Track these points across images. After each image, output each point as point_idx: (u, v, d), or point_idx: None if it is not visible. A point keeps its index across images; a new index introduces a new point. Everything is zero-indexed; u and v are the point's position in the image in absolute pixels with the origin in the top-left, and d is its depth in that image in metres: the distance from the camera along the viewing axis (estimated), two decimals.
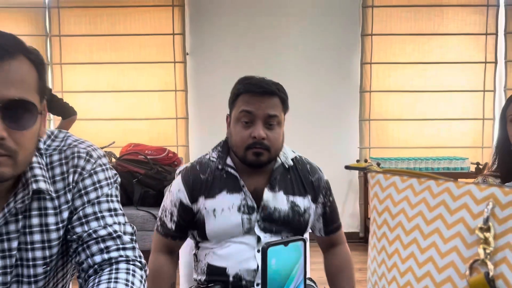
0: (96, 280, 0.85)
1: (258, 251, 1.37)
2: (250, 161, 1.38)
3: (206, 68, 4.30)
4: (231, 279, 1.36)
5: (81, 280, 0.91)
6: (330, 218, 1.52)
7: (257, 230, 1.38)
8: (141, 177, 3.67)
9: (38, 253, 0.89)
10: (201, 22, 4.30)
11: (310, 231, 1.60)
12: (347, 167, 0.61)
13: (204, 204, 1.39)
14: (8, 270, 0.86)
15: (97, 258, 0.89)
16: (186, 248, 1.66)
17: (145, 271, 0.93)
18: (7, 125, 0.74)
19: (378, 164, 3.83)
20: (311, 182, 1.48)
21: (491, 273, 0.44)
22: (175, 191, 1.44)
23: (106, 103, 4.27)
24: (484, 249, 0.45)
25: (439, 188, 0.50)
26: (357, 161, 4.31)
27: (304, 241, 0.77)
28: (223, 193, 1.40)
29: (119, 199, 0.97)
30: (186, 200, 1.42)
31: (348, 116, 4.35)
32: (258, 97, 1.37)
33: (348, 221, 4.32)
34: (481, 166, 3.94)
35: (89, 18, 4.28)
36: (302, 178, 1.48)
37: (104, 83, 4.22)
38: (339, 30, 4.30)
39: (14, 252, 0.86)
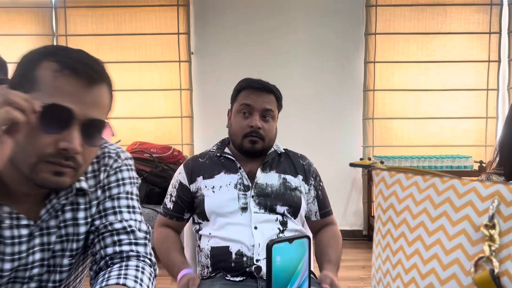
0: (106, 276, 0.87)
1: (255, 227, 1.49)
2: (246, 148, 1.58)
3: (211, 67, 4.30)
4: (233, 256, 1.46)
5: (92, 272, 0.93)
6: (323, 201, 1.67)
7: (252, 205, 1.52)
8: (147, 175, 3.69)
9: (68, 245, 0.93)
10: (206, 21, 4.30)
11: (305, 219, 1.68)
12: (351, 165, 0.62)
13: (204, 183, 1.56)
14: (45, 262, 0.91)
15: (109, 250, 0.92)
16: (189, 245, 1.69)
17: (155, 269, 0.95)
18: (83, 141, 0.81)
19: (382, 163, 3.82)
20: (302, 165, 1.68)
21: (496, 270, 0.44)
22: (176, 175, 1.64)
23: None
24: (489, 246, 0.45)
25: (444, 186, 0.51)
26: (361, 159, 4.31)
27: (309, 238, 0.78)
28: (221, 173, 1.59)
29: (138, 198, 1.01)
30: (184, 180, 1.60)
31: (351, 115, 4.35)
32: (257, 92, 1.59)
33: (352, 219, 4.33)
34: (484, 165, 3.93)
35: (95, 17, 4.30)
36: (294, 162, 1.67)
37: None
38: (343, 29, 4.30)
39: (52, 246, 0.90)
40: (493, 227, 0.46)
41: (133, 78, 4.31)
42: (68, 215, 0.93)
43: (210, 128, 4.22)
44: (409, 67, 4.32)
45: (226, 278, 1.44)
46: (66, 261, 0.93)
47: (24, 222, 0.87)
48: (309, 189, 1.65)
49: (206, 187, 1.57)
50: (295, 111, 4.20)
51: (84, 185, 0.93)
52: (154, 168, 3.75)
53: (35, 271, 0.90)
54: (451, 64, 4.29)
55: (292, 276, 0.76)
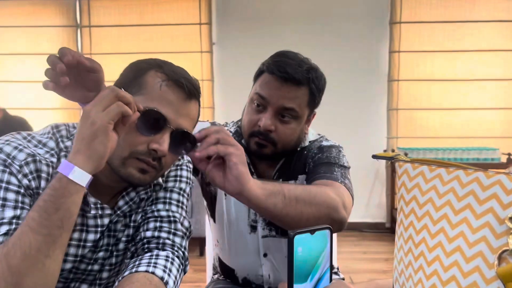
0: (136, 263, 0.90)
1: (265, 255, 1.27)
2: (252, 150, 1.19)
3: (232, 57, 4.30)
4: (240, 281, 1.32)
5: (129, 253, 0.99)
6: (313, 170, 1.20)
7: (260, 226, 1.25)
8: None
9: (127, 231, 0.99)
10: (228, 12, 4.30)
11: None
12: (374, 156, 0.61)
13: None
14: (110, 247, 0.99)
15: (149, 233, 0.96)
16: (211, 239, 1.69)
17: (186, 264, 0.98)
18: (169, 147, 0.88)
19: (406, 154, 3.78)
20: (312, 157, 1.25)
21: None
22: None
23: None
24: None
25: (468, 178, 0.50)
26: (384, 151, 4.26)
27: (331, 229, 0.77)
28: None
29: (189, 198, 1.06)
30: None
31: (375, 105, 4.30)
32: (278, 83, 1.15)
33: (375, 212, 4.30)
34: None
35: (118, 8, 4.34)
36: (307, 158, 1.25)
37: None
38: (368, 18, 4.24)
39: (117, 233, 0.98)
40: None
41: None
42: (134, 206, 0.99)
43: (231, 119, 4.20)
44: (435, 56, 4.23)
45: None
46: (122, 245, 0.99)
47: (107, 212, 0.93)
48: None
49: None
50: None
51: (160, 180, 1.00)
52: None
53: (101, 254, 0.96)
54: (479, 53, 4.19)
55: (313, 267, 0.76)
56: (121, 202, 0.96)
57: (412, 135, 4.29)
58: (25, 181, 0.84)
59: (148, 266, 0.89)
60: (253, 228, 1.25)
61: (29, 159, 0.86)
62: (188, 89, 0.90)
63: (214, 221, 1.32)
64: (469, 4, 4.18)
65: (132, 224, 0.99)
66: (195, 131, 0.94)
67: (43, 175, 0.87)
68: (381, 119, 4.30)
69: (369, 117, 4.31)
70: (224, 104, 4.34)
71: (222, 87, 4.34)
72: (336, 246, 1.74)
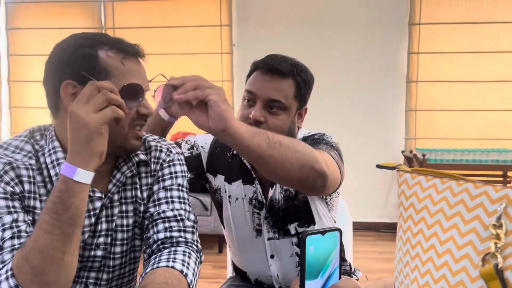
0: (157, 259, 0.98)
1: (271, 256, 1.32)
2: None
3: (252, 59, 4.33)
4: (253, 282, 1.40)
5: (146, 255, 1.05)
6: None
7: (265, 229, 1.30)
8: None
9: (124, 221, 1.06)
10: (248, 13, 4.37)
11: None
12: (378, 166, 0.68)
13: (225, 187, 1.32)
14: (109, 232, 1.04)
15: (161, 235, 1.03)
16: None
17: (201, 255, 1.05)
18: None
19: (424, 156, 3.79)
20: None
21: (500, 265, 0.50)
22: (202, 143, 1.37)
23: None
24: (495, 243, 0.51)
25: (459, 188, 0.57)
26: (402, 151, 4.28)
27: (340, 231, 0.84)
28: (239, 181, 1.31)
29: (188, 191, 1.12)
30: (204, 160, 1.35)
31: (394, 106, 4.32)
32: (264, 76, 1.22)
33: (392, 212, 4.32)
34: None
35: (141, 11, 4.46)
36: None
37: (154, 74, 4.38)
38: (386, 19, 4.26)
39: (114, 218, 1.04)
40: (500, 226, 0.51)
41: (176, 70, 4.44)
42: (129, 193, 1.06)
43: None
44: (455, 57, 4.22)
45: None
46: (121, 235, 1.06)
47: (98, 194, 1.00)
48: None
49: (226, 191, 1.33)
50: (336, 101, 4.22)
51: (142, 157, 1.07)
52: None
53: (101, 239, 1.03)
54: (500, 55, 4.16)
55: (323, 266, 0.84)
56: (110, 186, 1.02)
57: (431, 136, 4.29)
58: (8, 188, 0.90)
59: (167, 261, 0.96)
60: (258, 232, 1.31)
61: (7, 167, 0.92)
62: (137, 53, 0.98)
63: (224, 227, 1.39)
64: (489, 5, 4.16)
65: (127, 214, 1.05)
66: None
67: (24, 178, 0.93)
68: (400, 120, 4.32)
69: (387, 118, 4.33)
70: None
71: (242, 87, 4.39)
72: (352, 245, 1.80)
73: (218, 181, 1.34)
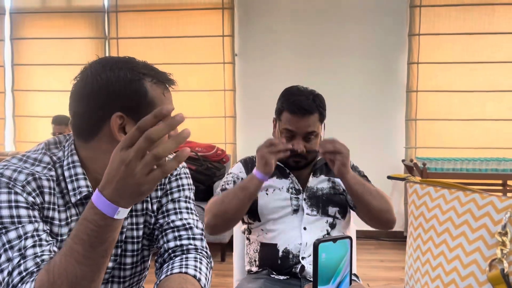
0: (170, 267, 1.02)
1: (304, 228, 1.59)
2: (291, 165, 1.65)
3: (254, 69, 4.43)
4: (280, 254, 1.56)
5: (158, 264, 1.08)
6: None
7: (305, 207, 1.62)
8: (192, 173, 3.85)
9: (134, 233, 1.09)
10: (250, 24, 4.43)
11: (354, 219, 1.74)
12: (389, 177, 0.72)
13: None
14: (119, 244, 1.06)
15: (171, 244, 1.07)
16: (239, 243, 1.81)
17: (211, 261, 1.08)
18: None
19: (424, 165, 3.83)
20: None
21: (506, 270, 0.54)
22: (237, 171, 1.70)
23: None
24: (501, 250, 0.55)
25: (467, 198, 0.60)
26: (403, 160, 4.32)
27: (351, 238, 0.88)
28: (274, 178, 1.66)
29: (194, 203, 1.17)
30: (245, 176, 1.66)
31: (394, 116, 4.37)
32: (298, 117, 1.58)
33: None
34: None
35: (144, 21, 4.52)
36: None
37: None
38: (387, 30, 4.32)
39: (124, 230, 1.07)
40: (505, 234, 0.55)
41: (179, 79, 4.42)
42: (139, 206, 1.10)
43: (252, 128, 4.36)
44: (454, 68, 4.28)
45: (271, 275, 1.56)
46: (131, 246, 1.09)
47: None
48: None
49: (260, 188, 1.59)
50: (338, 111, 4.26)
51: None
52: (199, 166, 3.92)
53: (112, 251, 1.04)
54: (498, 65, 4.22)
55: (335, 272, 0.87)
56: None
57: (431, 145, 4.34)
58: (30, 199, 0.92)
59: (180, 268, 1.00)
60: (295, 211, 1.62)
61: (30, 178, 0.94)
62: (172, 82, 1.04)
63: (259, 220, 1.64)
64: (488, 16, 4.23)
65: (136, 227, 1.09)
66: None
67: (45, 190, 0.95)
68: (400, 129, 4.37)
69: (388, 127, 4.38)
70: (246, 113, 4.47)
71: (244, 97, 4.47)
72: (355, 254, 1.84)
73: None
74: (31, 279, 0.84)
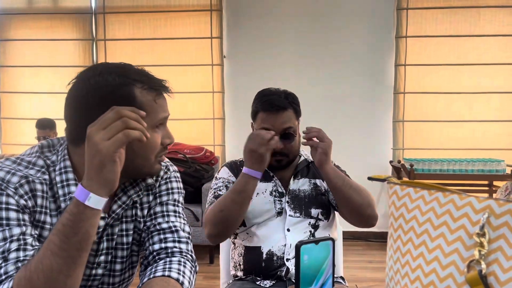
0: (153, 270, 1.01)
1: (288, 230, 1.59)
2: (272, 165, 1.65)
3: (242, 70, 4.43)
4: (264, 256, 1.56)
5: (142, 266, 1.08)
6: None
7: (288, 209, 1.61)
8: (180, 175, 3.83)
9: (124, 239, 1.08)
10: (238, 26, 4.43)
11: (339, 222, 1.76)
12: (369, 178, 0.72)
13: None
14: (110, 251, 1.06)
15: (156, 246, 1.06)
16: (225, 246, 1.80)
17: (195, 265, 1.08)
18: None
19: (411, 166, 3.86)
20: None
21: (483, 271, 0.54)
22: (226, 176, 1.70)
23: None
24: (479, 251, 0.55)
25: (446, 199, 0.60)
26: (391, 162, 4.34)
27: (333, 240, 0.88)
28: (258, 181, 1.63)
29: (183, 206, 1.17)
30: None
31: (382, 117, 4.40)
32: (273, 114, 1.59)
33: (380, 222, 4.32)
34: None
35: (132, 23, 4.50)
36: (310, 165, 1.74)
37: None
38: (374, 32, 4.35)
39: (115, 237, 1.06)
40: (483, 235, 0.55)
41: (168, 81, 4.46)
42: (129, 212, 1.09)
43: (241, 129, 4.35)
44: (441, 69, 4.32)
45: (257, 282, 1.55)
46: (121, 253, 1.08)
47: (101, 214, 1.00)
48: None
49: None
50: (325, 112, 4.28)
51: (150, 181, 1.10)
52: (187, 168, 3.90)
53: (102, 258, 1.05)
54: (484, 67, 4.27)
55: (317, 274, 0.87)
56: (114, 206, 1.04)
57: (418, 146, 4.37)
58: (22, 201, 0.92)
59: (163, 271, 0.99)
60: (279, 214, 1.62)
61: (23, 181, 0.93)
62: (166, 89, 1.04)
63: (244, 225, 1.63)
64: (474, 19, 4.27)
65: (126, 233, 1.08)
66: None
67: (38, 193, 0.94)
68: (387, 131, 4.40)
69: (375, 129, 4.40)
70: (234, 115, 4.46)
71: (232, 98, 4.46)
72: (342, 255, 1.84)
73: None
74: (10, 281, 0.84)
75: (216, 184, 1.68)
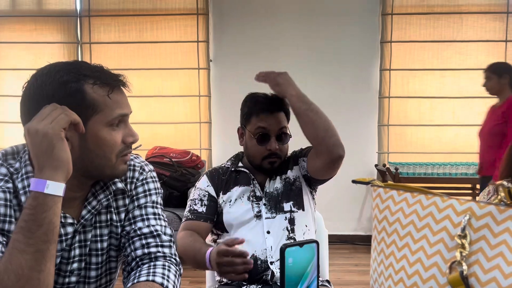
0: (137, 274, 0.99)
1: (268, 232, 1.60)
2: (266, 168, 1.66)
3: (229, 74, 4.43)
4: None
5: (125, 272, 1.06)
6: (305, 150, 1.74)
7: (264, 212, 1.63)
8: (166, 179, 3.82)
9: (99, 245, 1.05)
10: (224, 30, 4.44)
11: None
12: (354, 181, 0.72)
13: (222, 198, 1.66)
14: (83, 258, 1.03)
15: (139, 252, 1.04)
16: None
17: (180, 268, 1.06)
18: None
19: (396, 169, 3.90)
20: (293, 156, 1.76)
21: (465, 272, 0.55)
22: (204, 186, 1.69)
23: (133, 107, 4.39)
24: (461, 252, 0.55)
25: (428, 202, 0.61)
26: (376, 165, 4.38)
27: (317, 243, 0.88)
28: (236, 187, 1.67)
29: (162, 207, 1.14)
30: (213, 193, 1.68)
31: (366, 121, 4.43)
32: (270, 113, 1.63)
33: (366, 224, 4.40)
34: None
35: (118, 26, 4.47)
36: (291, 159, 1.75)
37: (132, 88, 4.39)
38: (359, 37, 4.39)
39: (88, 243, 1.03)
40: (464, 237, 0.56)
41: (154, 85, 4.45)
42: (103, 217, 1.06)
43: (227, 133, 4.34)
44: (425, 74, 4.38)
45: (242, 287, 1.54)
46: (95, 259, 1.06)
47: (69, 220, 0.99)
48: (300, 165, 1.71)
49: (224, 201, 1.66)
50: None
51: (120, 185, 1.07)
52: (173, 172, 3.88)
53: (75, 265, 1.02)
54: (467, 72, 4.34)
55: (302, 277, 0.87)
56: (84, 212, 1.01)
57: (402, 150, 4.42)
58: None
59: (148, 275, 0.97)
60: (258, 217, 1.63)
61: None
62: (120, 82, 1.00)
63: (226, 231, 1.65)
64: (457, 25, 4.35)
65: (101, 238, 1.05)
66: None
67: (1, 202, 0.92)
68: (372, 135, 4.43)
69: (360, 133, 4.43)
70: (221, 119, 4.46)
71: (219, 102, 4.46)
72: (328, 258, 1.85)
73: (219, 198, 1.68)
74: None
75: (193, 195, 1.68)
